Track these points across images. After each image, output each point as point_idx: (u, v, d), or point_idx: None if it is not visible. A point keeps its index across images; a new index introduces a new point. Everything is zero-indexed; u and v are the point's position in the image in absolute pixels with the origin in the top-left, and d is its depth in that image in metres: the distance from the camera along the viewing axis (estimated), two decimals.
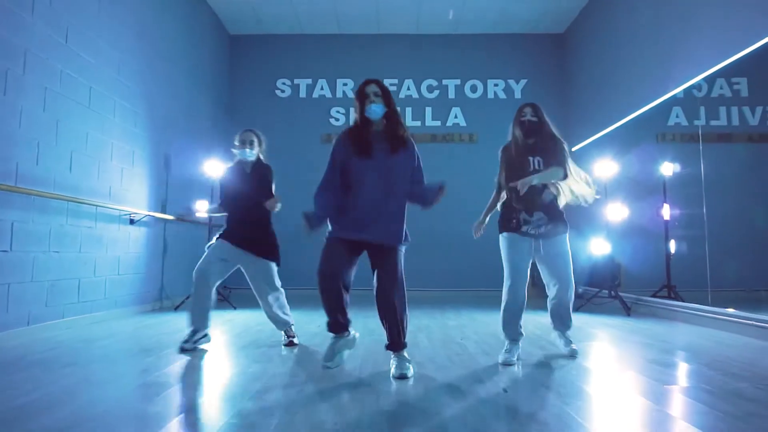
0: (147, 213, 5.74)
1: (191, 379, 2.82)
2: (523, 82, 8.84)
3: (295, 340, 3.83)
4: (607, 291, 6.25)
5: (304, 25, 8.61)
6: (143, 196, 5.83)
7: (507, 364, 3.15)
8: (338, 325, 2.96)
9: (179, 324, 4.69)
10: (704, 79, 5.14)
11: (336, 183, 3.00)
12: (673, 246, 6.17)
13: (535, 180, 3.14)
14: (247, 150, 3.84)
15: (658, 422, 2.08)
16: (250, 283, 3.80)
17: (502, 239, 3.40)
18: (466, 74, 8.89)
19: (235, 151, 3.88)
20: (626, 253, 6.91)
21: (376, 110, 2.95)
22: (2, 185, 3.69)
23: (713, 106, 5.86)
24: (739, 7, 4.61)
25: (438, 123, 8.76)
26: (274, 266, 3.83)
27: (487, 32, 8.88)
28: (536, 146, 3.30)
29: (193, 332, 3.57)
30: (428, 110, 8.78)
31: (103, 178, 5.04)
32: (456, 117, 8.76)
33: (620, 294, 6.07)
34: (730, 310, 4.59)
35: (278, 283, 3.85)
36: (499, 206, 3.50)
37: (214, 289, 3.65)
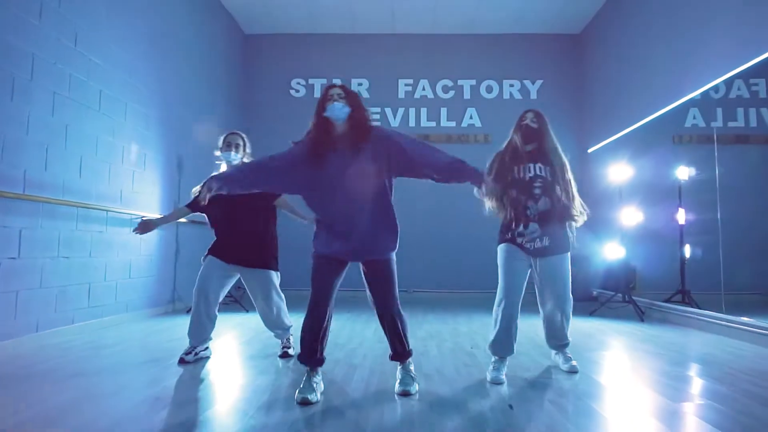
0: (159, 216, 5.70)
1: (197, 392, 2.76)
2: (538, 82, 8.70)
3: (290, 351, 3.65)
4: (621, 295, 6.17)
5: (319, 24, 8.54)
6: (155, 199, 5.80)
7: (497, 382, 2.95)
8: (314, 359, 2.72)
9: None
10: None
11: (273, 169, 2.70)
12: (687, 250, 6.03)
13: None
14: (233, 153, 3.62)
15: None
16: (248, 292, 3.68)
17: (499, 251, 3.23)
18: (481, 75, 8.76)
19: (218, 153, 3.69)
20: (641, 257, 6.78)
21: (337, 108, 2.62)
22: (9, 193, 3.67)
23: (731, 108, 5.71)
24: (759, 8, 4.47)
25: (453, 123, 8.65)
26: (273, 275, 3.65)
27: (502, 32, 8.75)
28: (536, 153, 3.16)
29: (193, 346, 3.50)
30: (443, 111, 8.67)
31: (114, 182, 5.01)
32: (471, 118, 8.64)
33: (634, 298, 5.96)
34: (745, 319, 4.45)
35: (279, 291, 3.68)
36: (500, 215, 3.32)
37: (215, 306, 3.54)
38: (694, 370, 3.35)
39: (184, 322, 4.98)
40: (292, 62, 8.75)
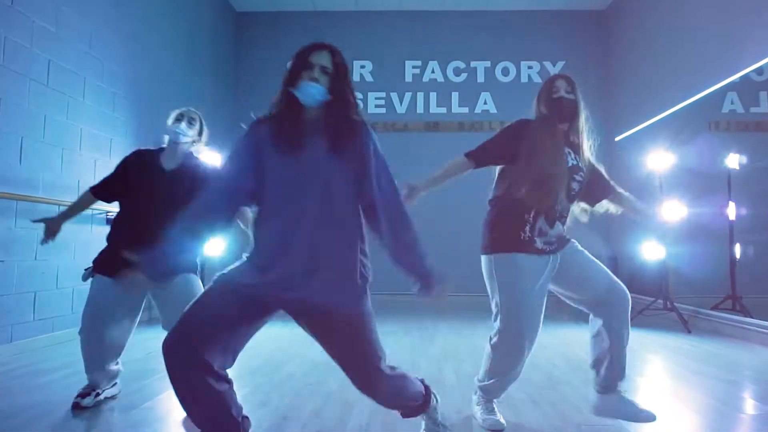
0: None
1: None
2: (560, 64, 7.95)
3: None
4: (662, 302, 5.38)
5: (319, 1, 7.78)
6: None
7: (497, 430, 2.24)
8: None
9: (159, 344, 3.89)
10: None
11: (229, 194, 1.78)
12: (738, 250, 5.26)
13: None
14: (183, 125, 2.74)
15: None
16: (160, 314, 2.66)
17: (503, 263, 2.26)
18: (497, 55, 8.00)
19: (168, 132, 2.79)
20: (680, 257, 6.03)
21: (312, 93, 1.74)
22: None
23: None
24: None
25: (465, 110, 7.90)
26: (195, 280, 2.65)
27: (520, 9, 7.99)
28: (568, 136, 2.36)
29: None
30: (455, 96, 7.92)
31: (69, 170, 4.24)
32: (485, 103, 7.89)
33: (676, 305, 5.18)
34: None
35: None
36: (490, 211, 2.44)
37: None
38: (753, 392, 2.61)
39: (160, 335, 4.20)
40: (289, 42, 7.91)
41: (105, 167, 4.70)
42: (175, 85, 6.09)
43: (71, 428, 2.24)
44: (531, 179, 2.20)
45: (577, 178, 2.29)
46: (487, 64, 8.00)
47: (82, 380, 2.62)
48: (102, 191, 2.79)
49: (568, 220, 2.39)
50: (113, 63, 4.87)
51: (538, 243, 2.22)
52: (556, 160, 2.24)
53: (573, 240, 2.35)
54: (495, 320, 2.27)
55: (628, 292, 2.22)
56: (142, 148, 2.94)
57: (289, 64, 1.81)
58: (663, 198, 5.50)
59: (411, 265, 1.78)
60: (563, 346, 4.06)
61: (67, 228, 4.04)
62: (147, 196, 2.65)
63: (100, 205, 4.37)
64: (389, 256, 1.78)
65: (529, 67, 7.96)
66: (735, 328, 4.65)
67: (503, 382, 2.32)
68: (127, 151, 4.79)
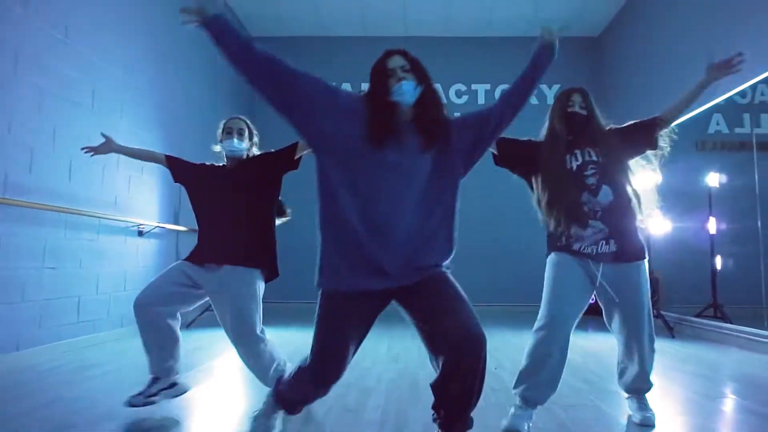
0: (157, 224, 5.37)
1: (193, 425, 2.38)
2: (555, 87, 8.37)
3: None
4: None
5: (328, 27, 8.25)
6: (153, 206, 5.45)
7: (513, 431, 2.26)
8: (295, 411, 2.06)
9: (191, 344, 4.30)
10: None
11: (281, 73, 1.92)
12: (719, 262, 5.66)
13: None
14: (235, 140, 2.69)
15: None
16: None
17: (548, 263, 2.45)
18: (496, 79, 8.44)
19: (217, 148, 2.81)
20: (666, 268, 6.41)
21: (408, 90, 1.83)
22: None
23: (755, 113, 5.47)
24: None
25: None
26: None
27: (518, 35, 8.43)
28: (579, 140, 2.45)
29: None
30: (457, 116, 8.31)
31: (108, 186, 4.67)
32: None
33: (662, 313, 5.59)
34: None
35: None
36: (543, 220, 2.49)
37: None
38: (728, 388, 3.02)
39: (184, 338, 4.60)
40: (300, 65, 8.35)
41: (138, 183, 5.15)
42: (196, 106, 6.54)
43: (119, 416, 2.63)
44: (545, 201, 2.39)
45: (589, 171, 2.37)
46: (487, 86, 8.45)
47: (125, 374, 2.89)
48: (176, 162, 2.80)
49: (637, 205, 2.39)
50: (146, 88, 5.33)
51: (576, 246, 2.35)
52: (560, 176, 2.39)
53: (641, 263, 2.39)
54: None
55: (646, 348, 2.37)
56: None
57: (367, 86, 1.92)
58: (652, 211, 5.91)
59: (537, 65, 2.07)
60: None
61: (105, 240, 4.51)
62: (214, 194, 2.66)
63: (133, 218, 4.84)
64: (527, 87, 2.07)
65: None
66: (715, 333, 5.04)
67: (531, 366, 2.32)
68: (158, 167, 5.31)
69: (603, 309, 2.47)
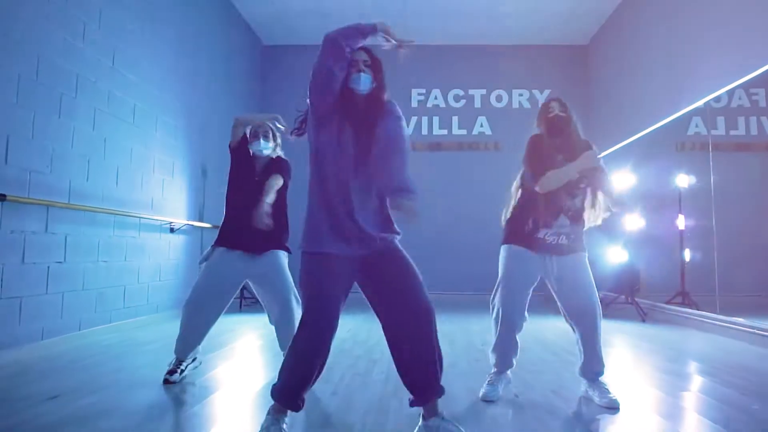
0: (186, 222, 6.04)
1: (229, 388, 3.06)
2: (547, 92, 8.90)
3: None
4: (624, 297, 6.47)
5: None
6: (182, 206, 6.13)
7: (488, 400, 2.72)
8: (296, 404, 2.08)
9: (218, 326, 4.98)
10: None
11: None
12: (687, 254, 6.26)
13: (571, 170, 2.67)
14: (262, 141, 3.15)
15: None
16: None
17: (504, 251, 2.89)
18: (491, 84, 9.02)
19: (252, 149, 3.25)
20: (644, 261, 7.01)
21: (365, 81, 2.19)
22: (58, 203, 4.00)
23: (732, 117, 5.93)
24: (760, 20, 4.68)
25: (464, 132, 8.90)
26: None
27: (512, 44, 8.99)
28: (562, 145, 2.82)
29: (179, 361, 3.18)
30: (455, 119, 8.94)
31: (146, 189, 5.34)
32: (482, 126, 8.90)
33: (637, 300, 6.24)
34: (739, 319, 4.71)
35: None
36: (508, 210, 2.98)
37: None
38: (688, 366, 3.63)
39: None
40: (308, 72, 8.93)
41: (170, 185, 5.82)
42: (218, 113, 7.17)
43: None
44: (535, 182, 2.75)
45: (583, 184, 2.77)
46: (483, 92, 9.01)
47: (169, 349, 3.29)
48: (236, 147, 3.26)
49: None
50: (175, 100, 5.99)
51: (540, 234, 2.75)
52: (550, 165, 2.72)
53: (583, 254, 2.82)
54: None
55: (595, 327, 2.72)
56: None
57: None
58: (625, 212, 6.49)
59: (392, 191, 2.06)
60: (537, 332, 5.08)
61: (144, 237, 5.17)
62: (246, 181, 3.18)
63: (166, 217, 5.50)
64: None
65: (520, 95, 8.97)
66: (680, 318, 5.65)
67: (504, 346, 2.86)
68: (186, 171, 5.97)
69: (558, 300, 2.84)
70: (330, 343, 2.06)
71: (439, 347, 2.11)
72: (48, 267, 3.98)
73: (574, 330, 2.83)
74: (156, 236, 5.50)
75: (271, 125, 3.21)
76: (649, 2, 6.81)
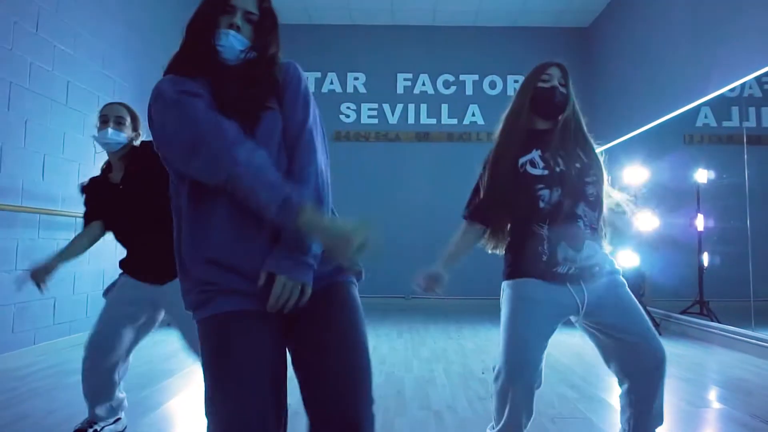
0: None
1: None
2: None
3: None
4: None
5: (313, 15, 8.07)
6: None
7: None
8: None
9: (175, 345, 4.20)
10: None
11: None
12: (706, 258, 5.65)
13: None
14: (110, 130, 2.34)
15: None
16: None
17: (510, 290, 2.00)
18: (484, 69, 8.34)
19: (97, 141, 2.40)
20: (654, 265, 6.41)
21: (233, 42, 1.37)
22: None
23: (743, 108, 5.41)
24: None
25: (455, 121, 8.23)
26: None
27: (507, 25, 8.33)
28: (549, 137, 1.96)
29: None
30: (444, 107, 8.24)
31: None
32: (474, 115, 8.22)
33: (648, 309, 5.57)
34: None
35: None
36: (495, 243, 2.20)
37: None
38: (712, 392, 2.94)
39: (167, 338, 4.50)
40: (284, 54, 8.21)
41: None
42: None
43: None
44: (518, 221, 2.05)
45: (589, 179, 1.93)
46: (476, 77, 8.32)
47: None
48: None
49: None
50: (123, 80, 5.16)
51: (561, 268, 1.86)
52: (551, 178, 1.91)
53: (618, 273, 1.99)
54: None
55: (657, 366, 1.86)
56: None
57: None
58: (638, 210, 5.87)
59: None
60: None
61: None
62: (114, 217, 2.54)
63: None
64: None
65: (515, 81, 8.25)
66: (699, 331, 5.03)
67: (508, 425, 1.87)
68: None
69: (598, 345, 2.00)
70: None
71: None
72: None
73: (621, 382, 1.92)
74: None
75: (126, 106, 2.50)
76: None
